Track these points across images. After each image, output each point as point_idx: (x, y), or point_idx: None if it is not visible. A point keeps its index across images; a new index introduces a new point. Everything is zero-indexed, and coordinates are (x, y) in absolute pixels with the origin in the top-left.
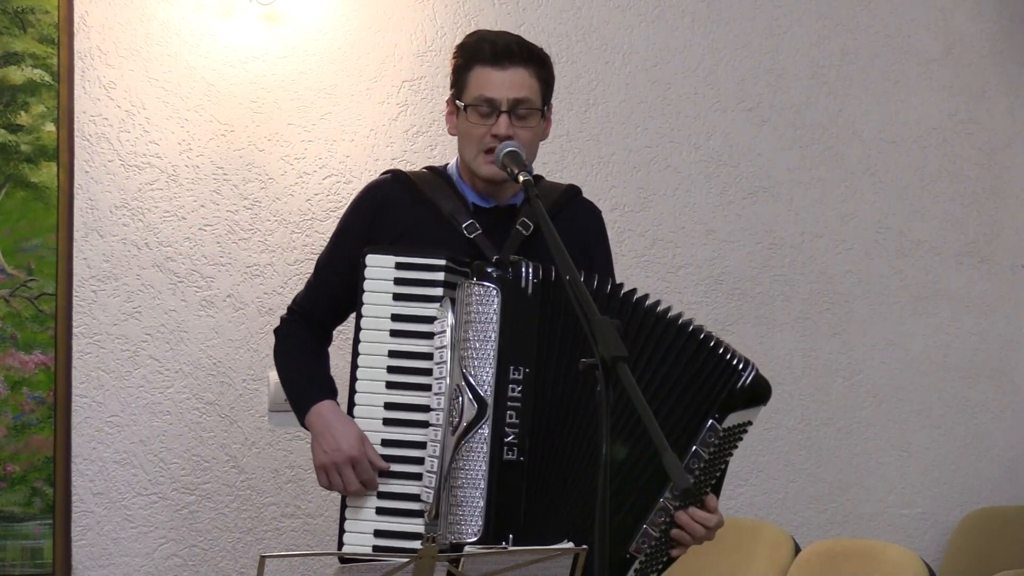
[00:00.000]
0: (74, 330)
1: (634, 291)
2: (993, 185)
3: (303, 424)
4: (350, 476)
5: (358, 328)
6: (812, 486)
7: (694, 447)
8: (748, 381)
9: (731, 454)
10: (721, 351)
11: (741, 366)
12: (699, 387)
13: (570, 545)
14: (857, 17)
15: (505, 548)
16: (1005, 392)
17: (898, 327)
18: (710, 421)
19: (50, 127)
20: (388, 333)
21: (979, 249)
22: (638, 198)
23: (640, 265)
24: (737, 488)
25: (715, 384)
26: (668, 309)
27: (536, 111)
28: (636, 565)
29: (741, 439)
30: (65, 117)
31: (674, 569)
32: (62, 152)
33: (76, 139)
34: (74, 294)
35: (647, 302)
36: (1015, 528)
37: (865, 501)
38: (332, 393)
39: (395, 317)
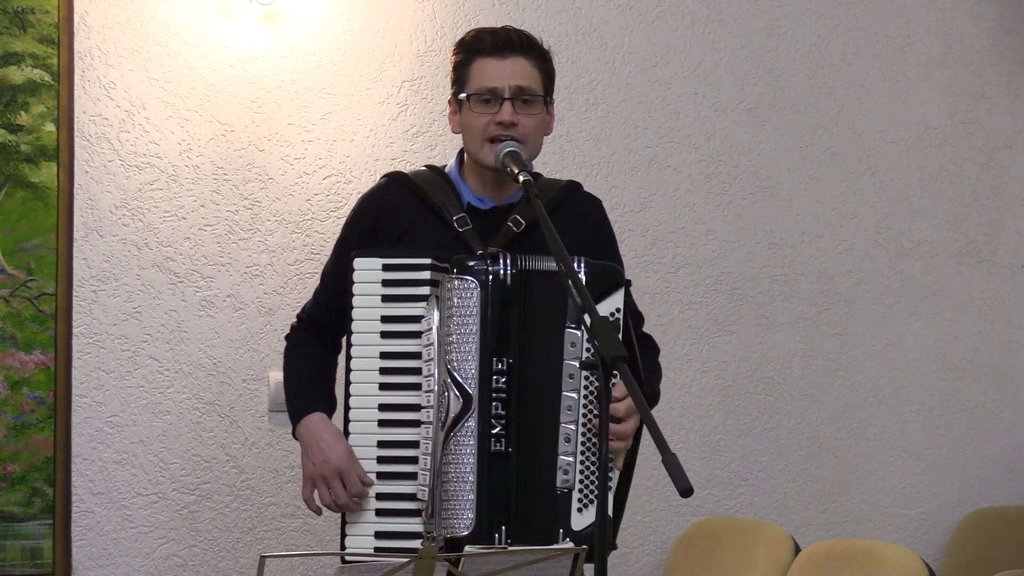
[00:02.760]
0: (74, 330)
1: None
2: (993, 185)
3: (294, 435)
4: (339, 489)
5: (350, 332)
6: (812, 486)
7: (564, 362)
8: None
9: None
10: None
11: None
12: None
13: (570, 545)
14: (857, 17)
15: (505, 548)
16: (1005, 392)
17: (898, 327)
18: (566, 331)
19: (50, 127)
20: (379, 335)
21: (979, 249)
22: (638, 198)
23: (640, 265)
24: (737, 488)
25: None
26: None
27: (539, 98)
28: (577, 496)
29: (618, 325)
30: (65, 117)
31: (674, 569)
32: (62, 152)
33: (76, 139)
34: (74, 294)
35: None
36: (1015, 528)
37: (865, 501)
38: (327, 406)
39: (385, 319)
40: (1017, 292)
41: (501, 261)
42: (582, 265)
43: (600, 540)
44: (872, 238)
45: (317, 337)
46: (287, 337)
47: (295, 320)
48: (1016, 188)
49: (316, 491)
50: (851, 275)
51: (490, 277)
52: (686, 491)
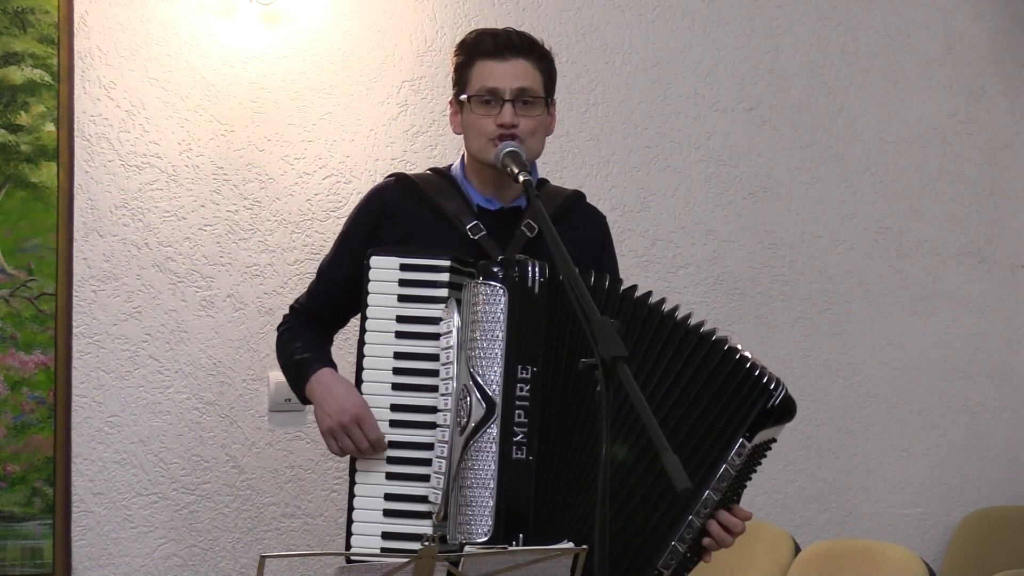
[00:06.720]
0: (74, 330)
1: (648, 294)
2: (993, 185)
3: (304, 399)
4: (358, 434)
5: (363, 330)
6: (812, 486)
7: (723, 466)
8: (779, 400)
9: (755, 470)
10: (757, 372)
11: (772, 386)
12: (732, 405)
13: (571, 545)
14: (857, 17)
15: (505, 548)
16: (1005, 392)
17: (898, 327)
18: (740, 439)
19: (50, 127)
20: (393, 335)
21: (979, 249)
22: (638, 198)
23: (640, 265)
24: None
25: (746, 402)
26: (687, 316)
27: (540, 99)
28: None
29: (765, 455)
30: (65, 117)
31: None
32: (62, 152)
33: (76, 139)
34: (74, 294)
35: (664, 307)
36: (1015, 528)
37: (865, 501)
38: (333, 367)
39: (400, 319)
40: (1017, 292)
41: (530, 269)
42: (781, 391)
43: (600, 541)
44: (872, 238)
45: (311, 327)
46: (279, 326)
47: (288, 311)
48: (1016, 188)
49: (336, 442)
50: (851, 275)
51: (518, 284)
52: (686, 491)
